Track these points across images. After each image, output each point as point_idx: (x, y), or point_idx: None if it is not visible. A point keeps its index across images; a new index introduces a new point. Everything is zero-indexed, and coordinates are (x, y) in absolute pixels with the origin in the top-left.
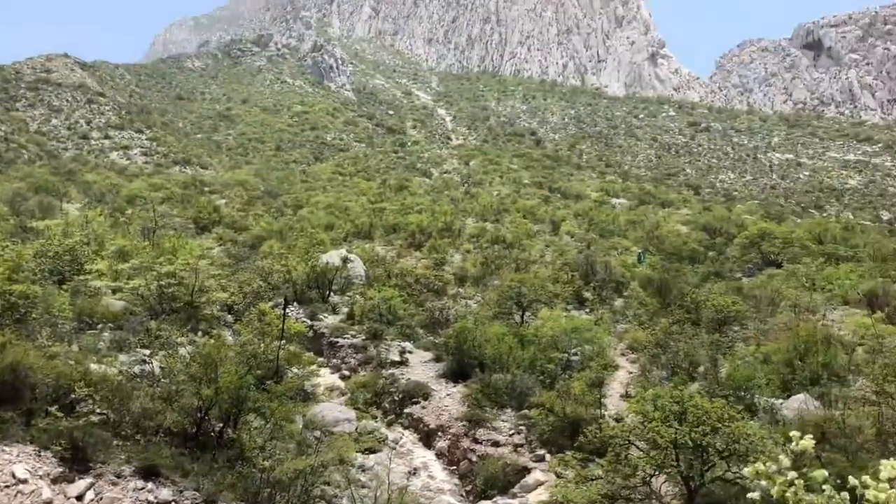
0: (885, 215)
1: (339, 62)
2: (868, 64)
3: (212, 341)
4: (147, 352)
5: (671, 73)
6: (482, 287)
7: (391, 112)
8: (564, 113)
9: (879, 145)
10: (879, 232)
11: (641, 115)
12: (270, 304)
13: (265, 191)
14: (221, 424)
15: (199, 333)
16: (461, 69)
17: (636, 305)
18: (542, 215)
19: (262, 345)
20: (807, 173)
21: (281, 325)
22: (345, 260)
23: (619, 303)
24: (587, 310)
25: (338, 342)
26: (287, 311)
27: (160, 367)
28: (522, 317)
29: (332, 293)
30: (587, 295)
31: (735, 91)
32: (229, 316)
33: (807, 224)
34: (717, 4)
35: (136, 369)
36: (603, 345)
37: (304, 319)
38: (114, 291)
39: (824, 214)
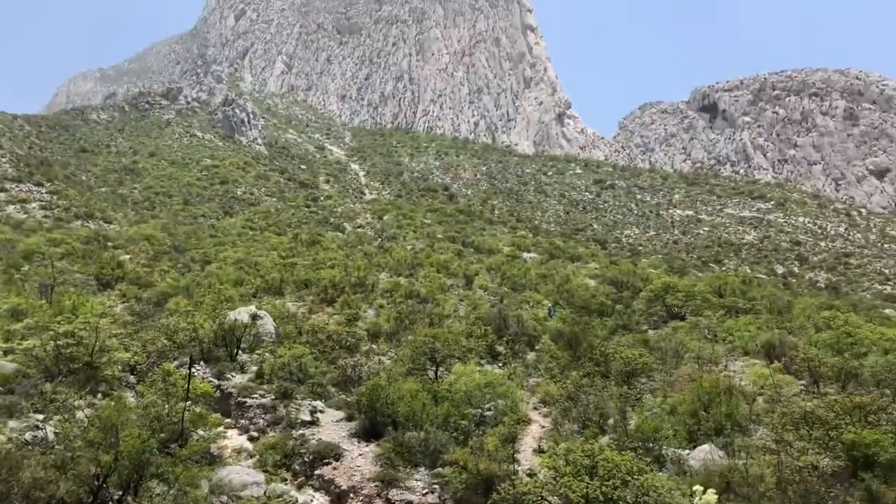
0: (780, 269)
1: (251, 116)
2: (759, 126)
3: (112, 403)
4: (41, 417)
5: (577, 133)
6: (396, 343)
7: (304, 166)
8: (476, 169)
9: (772, 203)
10: (774, 285)
11: (550, 173)
12: (176, 363)
13: (172, 246)
14: (121, 492)
15: (99, 395)
16: (374, 125)
17: (548, 359)
18: (456, 269)
19: (166, 406)
20: (706, 229)
21: (186, 386)
22: (254, 317)
23: (531, 356)
24: (500, 364)
25: (246, 402)
26: (193, 370)
27: (55, 432)
28: (436, 372)
29: (240, 351)
30: (500, 349)
31: (637, 150)
32: (132, 377)
33: (707, 278)
34: (619, 68)
35: (28, 436)
36: (516, 399)
37: (211, 379)
38: (5, 353)
39: (723, 268)
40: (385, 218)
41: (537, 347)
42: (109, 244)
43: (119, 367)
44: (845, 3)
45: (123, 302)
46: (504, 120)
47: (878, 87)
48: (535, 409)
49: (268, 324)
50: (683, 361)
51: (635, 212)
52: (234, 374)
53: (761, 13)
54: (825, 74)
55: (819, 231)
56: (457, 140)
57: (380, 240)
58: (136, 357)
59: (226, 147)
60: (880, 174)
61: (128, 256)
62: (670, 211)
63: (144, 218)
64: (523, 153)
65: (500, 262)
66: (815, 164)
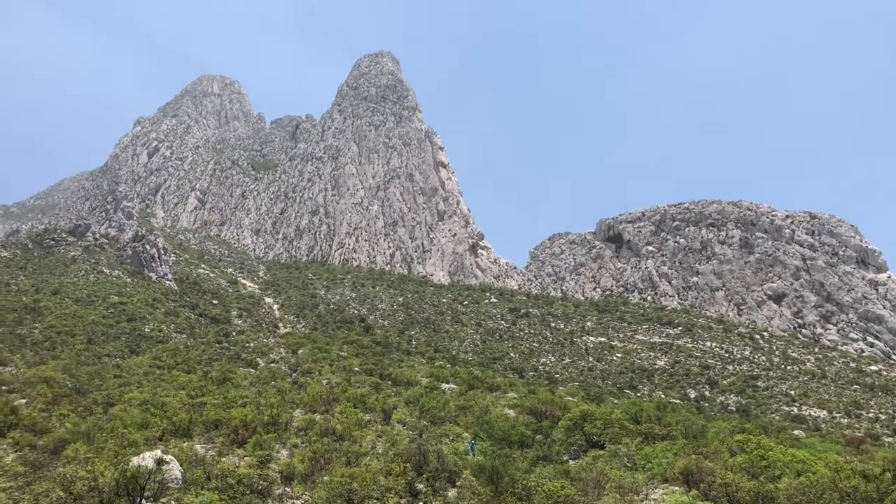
0: (692, 393)
1: (162, 252)
2: (663, 255)
3: None
4: None
5: (491, 263)
6: (310, 485)
7: (216, 301)
8: (393, 300)
9: (680, 328)
10: (688, 410)
11: (466, 302)
12: None
13: (73, 388)
14: None
15: None
16: (289, 258)
17: (469, 495)
18: (374, 404)
19: None
20: (619, 355)
21: None
22: (159, 462)
23: (452, 493)
24: (421, 502)
25: None
26: None
27: None
28: None
29: (144, 500)
30: (420, 486)
31: (549, 279)
32: None
33: (624, 404)
34: (528, 201)
35: None
36: None
37: None
38: None
39: (638, 394)
40: (300, 352)
41: (458, 483)
42: (3, 388)
43: None
44: (731, 142)
45: (16, 451)
46: (419, 251)
47: (768, 217)
48: None
49: (174, 469)
50: (605, 492)
51: (550, 339)
52: None
53: (650, 153)
54: (720, 206)
55: (726, 355)
56: (373, 271)
57: (294, 375)
58: None
59: (134, 284)
60: (777, 299)
61: (24, 401)
62: (584, 338)
63: (44, 359)
64: (439, 283)
65: (418, 395)
66: (717, 290)
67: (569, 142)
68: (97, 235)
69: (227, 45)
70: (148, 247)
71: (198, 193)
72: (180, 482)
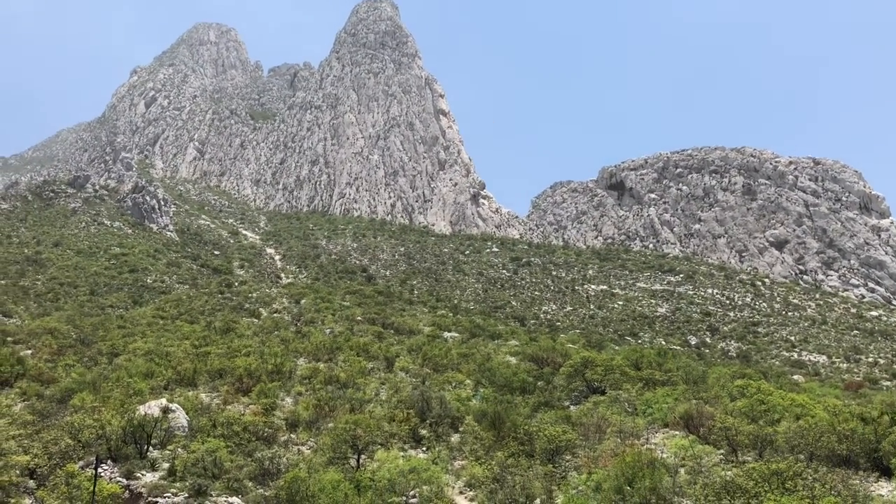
0: (693, 340)
1: (162, 203)
2: (665, 202)
3: None
4: None
5: (492, 212)
6: (315, 431)
7: (217, 252)
8: (395, 250)
9: (681, 275)
10: (689, 356)
11: (467, 252)
12: (80, 464)
13: (78, 338)
14: None
15: None
16: (290, 209)
17: (472, 440)
18: (376, 352)
19: None
20: (620, 303)
21: (92, 488)
22: (165, 410)
23: (455, 438)
24: (424, 448)
25: (157, 502)
26: (99, 470)
27: None
28: (358, 460)
29: (151, 448)
30: (424, 432)
31: (551, 228)
32: (31, 481)
33: (624, 351)
34: (529, 150)
35: None
36: (441, 484)
37: (120, 479)
38: None
39: (639, 341)
40: (302, 302)
41: (461, 429)
42: (9, 339)
43: (17, 471)
44: (732, 86)
45: (24, 400)
46: (420, 201)
47: (771, 163)
48: (461, 493)
49: (180, 417)
50: (606, 436)
51: (552, 288)
52: (144, 472)
53: (656, 96)
54: (723, 153)
55: (727, 302)
56: (374, 221)
57: (297, 324)
58: (36, 460)
59: (135, 235)
60: (780, 245)
61: (29, 351)
62: (585, 286)
63: (48, 310)
64: (440, 233)
65: (420, 343)
66: (719, 237)
67: (571, 87)
68: (97, 187)
69: None
70: (148, 198)
71: (196, 144)
72: (186, 430)
